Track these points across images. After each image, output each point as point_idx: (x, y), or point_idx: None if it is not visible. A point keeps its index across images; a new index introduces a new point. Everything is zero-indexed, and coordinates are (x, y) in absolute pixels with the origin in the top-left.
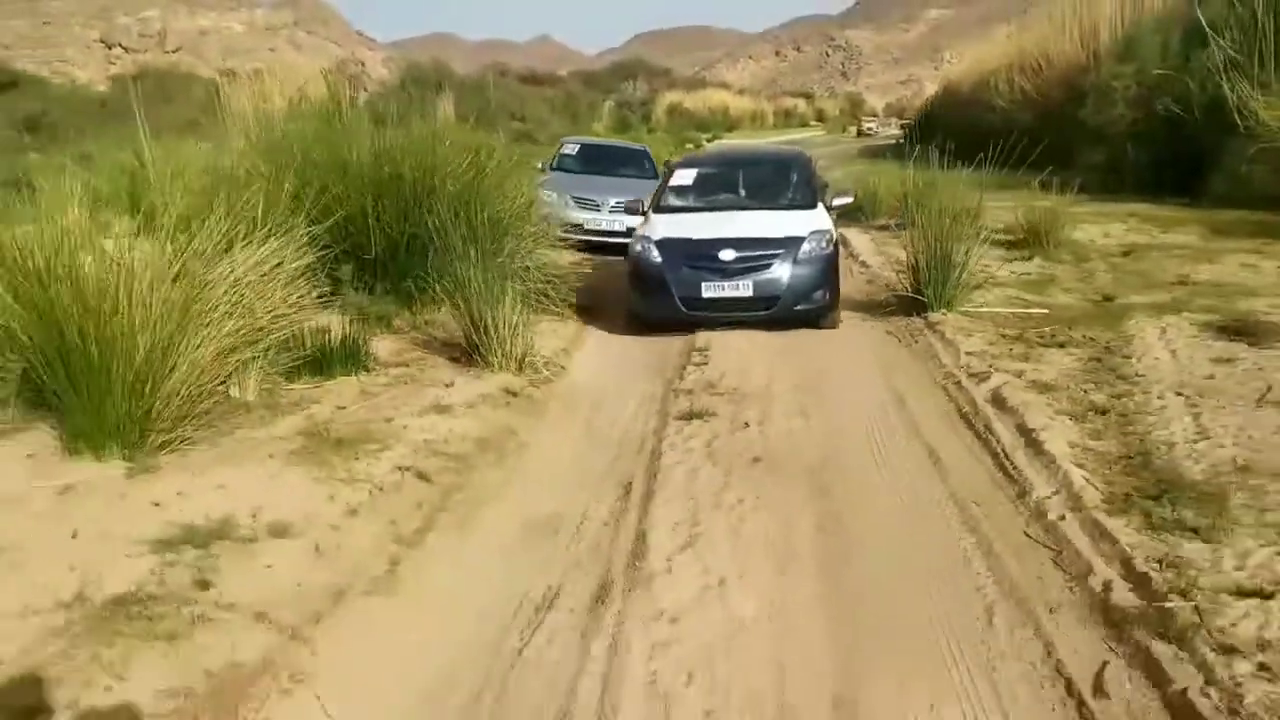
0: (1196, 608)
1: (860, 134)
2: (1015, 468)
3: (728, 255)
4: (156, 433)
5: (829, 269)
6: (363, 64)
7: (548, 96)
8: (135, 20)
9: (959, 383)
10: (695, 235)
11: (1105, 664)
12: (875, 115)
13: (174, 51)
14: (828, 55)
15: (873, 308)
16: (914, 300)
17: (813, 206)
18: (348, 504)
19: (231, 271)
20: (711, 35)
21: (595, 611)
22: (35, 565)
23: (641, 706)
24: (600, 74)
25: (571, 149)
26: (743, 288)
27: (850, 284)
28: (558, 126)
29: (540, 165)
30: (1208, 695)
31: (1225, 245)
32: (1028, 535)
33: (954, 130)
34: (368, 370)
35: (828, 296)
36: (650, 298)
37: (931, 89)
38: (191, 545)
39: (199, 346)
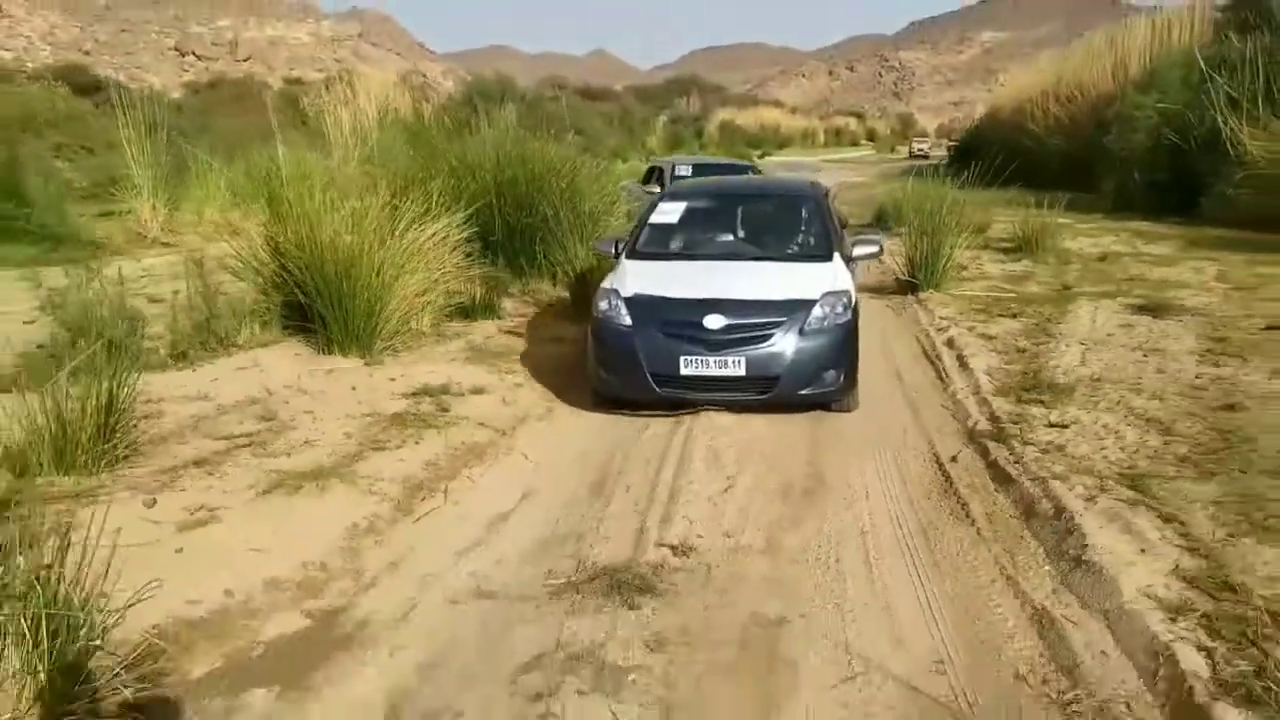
0: (1020, 431)
1: (912, 155)
2: (948, 376)
3: (714, 322)
4: (380, 341)
5: (846, 342)
6: (424, 75)
7: (604, 111)
8: (208, 29)
9: (928, 334)
10: (675, 293)
11: (959, 452)
12: (927, 136)
13: (244, 60)
14: (881, 75)
15: (879, 290)
16: (910, 283)
17: (828, 258)
18: (513, 381)
19: (417, 240)
20: (766, 52)
21: (677, 423)
22: (338, 401)
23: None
24: (655, 89)
25: (685, 169)
26: (733, 365)
27: (865, 275)
28: (614, 140)
29: (624, 185)
30: (1007, 460)
31: (1189, 255)
32: (942, 406)
33: (995, 152)
34: (499, 318)
35: (843, 378)
36: (615, 371)
37: (982, 111)
38: (427, 395)
39: (402, 289)
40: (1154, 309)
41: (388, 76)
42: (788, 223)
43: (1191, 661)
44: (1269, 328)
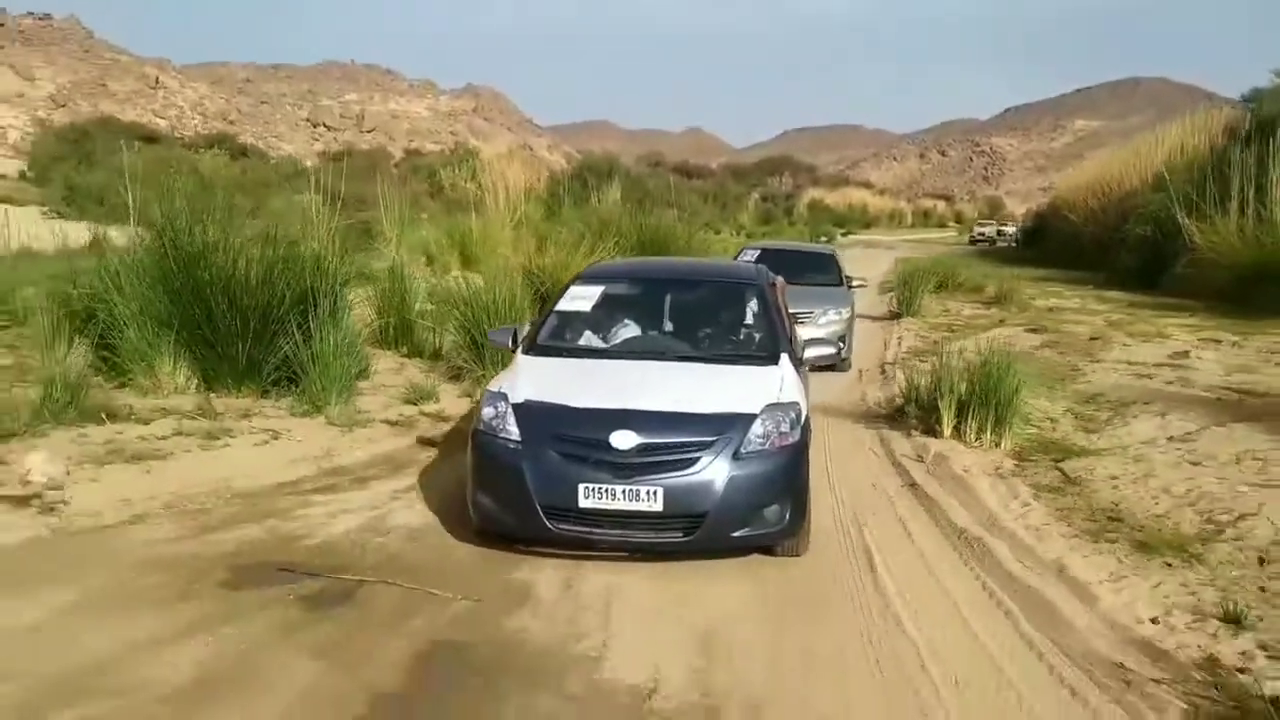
0: (901, 362)
1: (972, 240)
2: (887, 348)
3: (624, 440)
4: None
5: (793, 469)
6: (531, 149)
7: (699, 187)
8: (337, 103)
9: (892, 334)
10: (577, 401)
11: (882, 367)
12: (989, 220)
13: (369, 131)
14: (972, 159)
15: (878, 318)
16: (895, 313)
17: (774, 360)
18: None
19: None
20: (860, 134)
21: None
22: None
23: None
24: (748, 168)
25: (750, 256)
26: (646, 497)
27: (874, 307)
28: (707, 215)
29: None
30: (889, 367)
31: (1114, 310)
32: (880, 357)
33: (1047, 237)
34: None
35: (788, 516)
36: (498, 499)
37: (1045, 201)
38: None
39: None
40: (1037, 329)
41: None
42: (727, 315)
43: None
44: (1091, 338)
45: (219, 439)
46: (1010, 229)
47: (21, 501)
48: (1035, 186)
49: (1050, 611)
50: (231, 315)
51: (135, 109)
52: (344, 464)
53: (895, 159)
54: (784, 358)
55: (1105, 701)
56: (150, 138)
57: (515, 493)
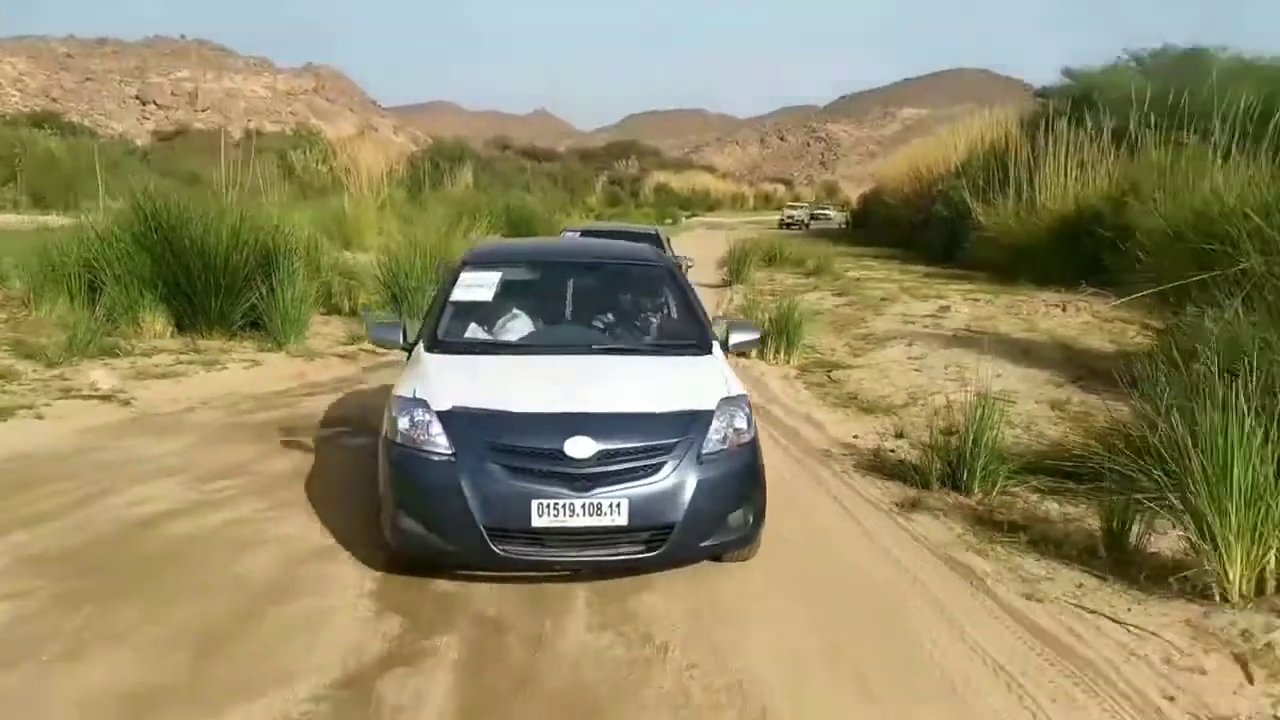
0: (725, 311)
1: (783, 224)
2: (719, 307)
3: (581, 448)
4: None
5: (755, 470)
6: (376, 130)
7: (548, 170)
8: (168, 80)
9: (724, 297)
10: (517, 405)
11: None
12: (800, 203)
13: (203, 111)
14: (809, 145)
15: (714, 286)
16: (726, 281)
17: (706, 348)
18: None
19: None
20: (703, 118)
21: None
22: None
23: None
24: (595, 151)
25: (572, 236)
26: (610, 511)
27: (712, 277)
28: (557, 198)
29: None
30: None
31: (912, 279)
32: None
33: (871, 219)
34: None
35: (751, 519)
36: (429, 522)
37: (871, 186)
38: None
39: None
40: (842, 293)
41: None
42: (640, 301)
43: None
44: (882, 299)
45: (216, 364)
46: (831, 212)
47: (104, 398)
48: (868, 171)
49: (796, 434)
50: (207, 274)
51: None
52: (318, 380)
53: (737, 144)
54: (715, 346)
55: (813, 462)
56: None
57: (451, 514)
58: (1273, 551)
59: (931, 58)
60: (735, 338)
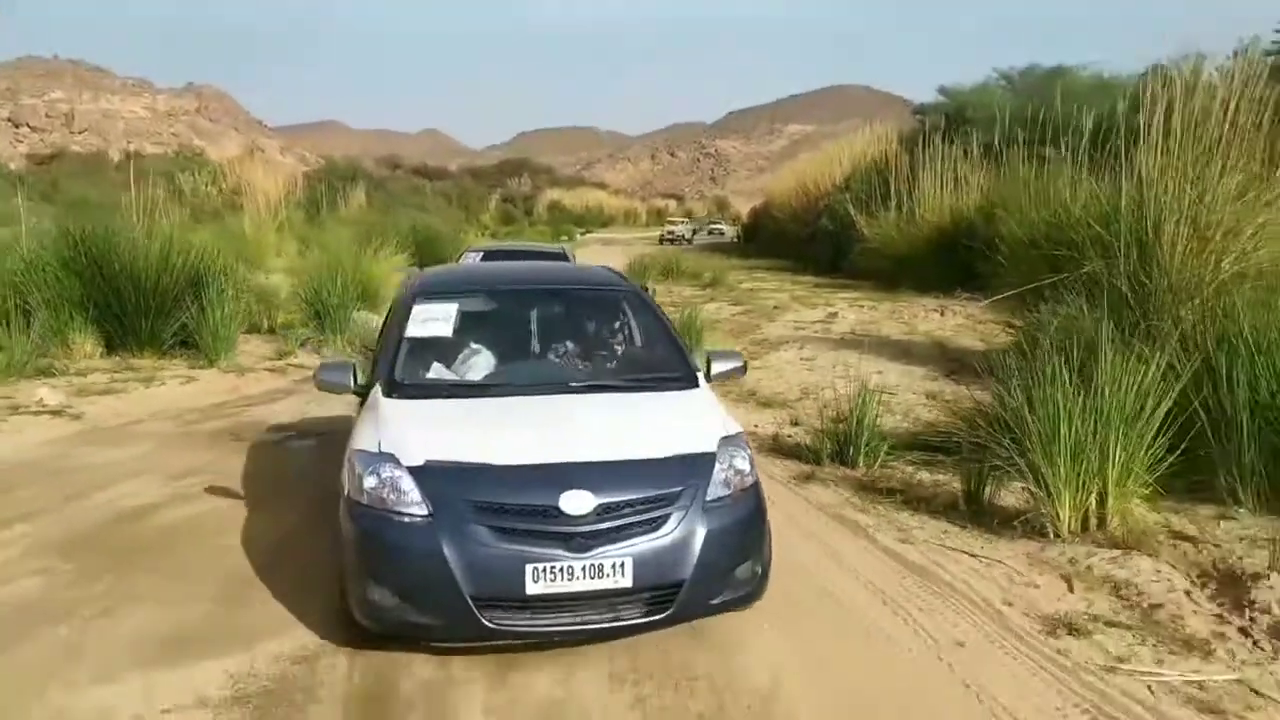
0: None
1: (664, 240)
2: None
3: (578, 503)
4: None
5: (761, 517)
6: (263, 150)
7: (441, 188)
8: (42, 101)
9: None
10: (499, 456)
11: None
12: (680, 219)
13: (80, 133)
14: (699, 161)
15: None
16: None
17: (691, 381)
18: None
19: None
20: (594, 136)
21: None
22: None
23: None
24: (488, 169)
25: (473, 258)
26: (612, 572)
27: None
28: (453, 217)
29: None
30: None
31: (801, 289)
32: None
33: (761, 233)
34: None
35: (760, 570)
36: (404, 593)
37: (760, 201)
38: None
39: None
40: (738, 303)
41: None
42: (609, 329)
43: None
44: (775, 307)
45: (153, 381)
46: (724, 226)
47: (54, 413)
48: (757, 186)
49: None
50: (138, 296)
51: None
52: (251, 393)
53: (629, 160)
54: (700, 377)
55: None
56: None
57: (431, 584)
58: (1093, 495)
59: (815, 75)
60: (718, 367)
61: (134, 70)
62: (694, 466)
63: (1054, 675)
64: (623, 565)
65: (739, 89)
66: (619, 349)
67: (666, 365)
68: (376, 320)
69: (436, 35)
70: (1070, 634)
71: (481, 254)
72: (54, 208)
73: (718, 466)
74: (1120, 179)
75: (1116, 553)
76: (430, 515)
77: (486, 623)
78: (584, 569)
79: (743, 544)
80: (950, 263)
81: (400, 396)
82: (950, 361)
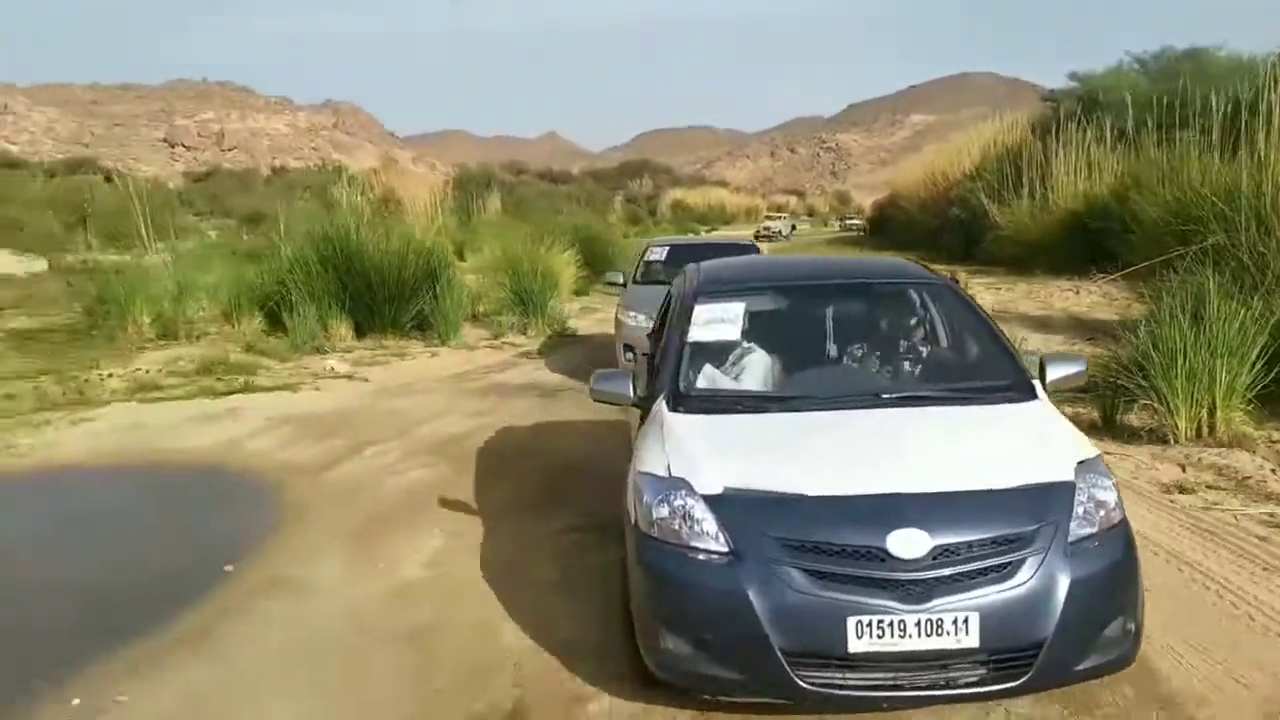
0: None
1: (758, 236)
2: None
3: (910, 545)
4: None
5: (1133, 561)
6: (397, 161)
7: (566, 192)
8: (193, 122)
9: None
10: (807, 485)
11: None
12: (778, 214)
13: (230, 150)
14: (819, 156)
15: None
16: None
17: (1028, 391)
18: (479, 360)
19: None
20: (712, 135)
21: None
22: None
23: None
24: (609, 172)
25: (659, 253)
26: (954, 629)
27: None
28: (582, 219)
29: (620, 280)
30: None
31: None
32: None
33: (888, 224)
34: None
35: (1133, 626)
36: (701, 641)
37: (885, 194)
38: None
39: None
40: None
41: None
42: (913, 329)
43: None
44: None
45: (404, 356)
46: (857, 220)
47: (347, 378)
48: (879, 179)
49: None
50: (383, 288)
51: None
52: (485, 364)
53: (748, 157)
54: (1038, 386)
55: None
56: (13, 164)
57: (735, 633)
58: (1204, 409)
59: (937, 63)
60: (1056, 372)
61: (275, 89)
62: (1050, 499)
63: (1167, 512)
64: (966, 621)
65: (858, 81)
66: (923, 351)
67: (993, 371)
68: (566, 308)
69: (550, 38)
70: (1180, 493)
71: (667, 249)
72: (224, 219)
73: (1078, 498)
74: (1242, 158)
75: (1221, 449)
76: (731, 553)
77: (800, 682)
78: (919, 624)
79: (1113, 595)
80: (1084, 245)
81: (687, 410)
82: (1087, 330)
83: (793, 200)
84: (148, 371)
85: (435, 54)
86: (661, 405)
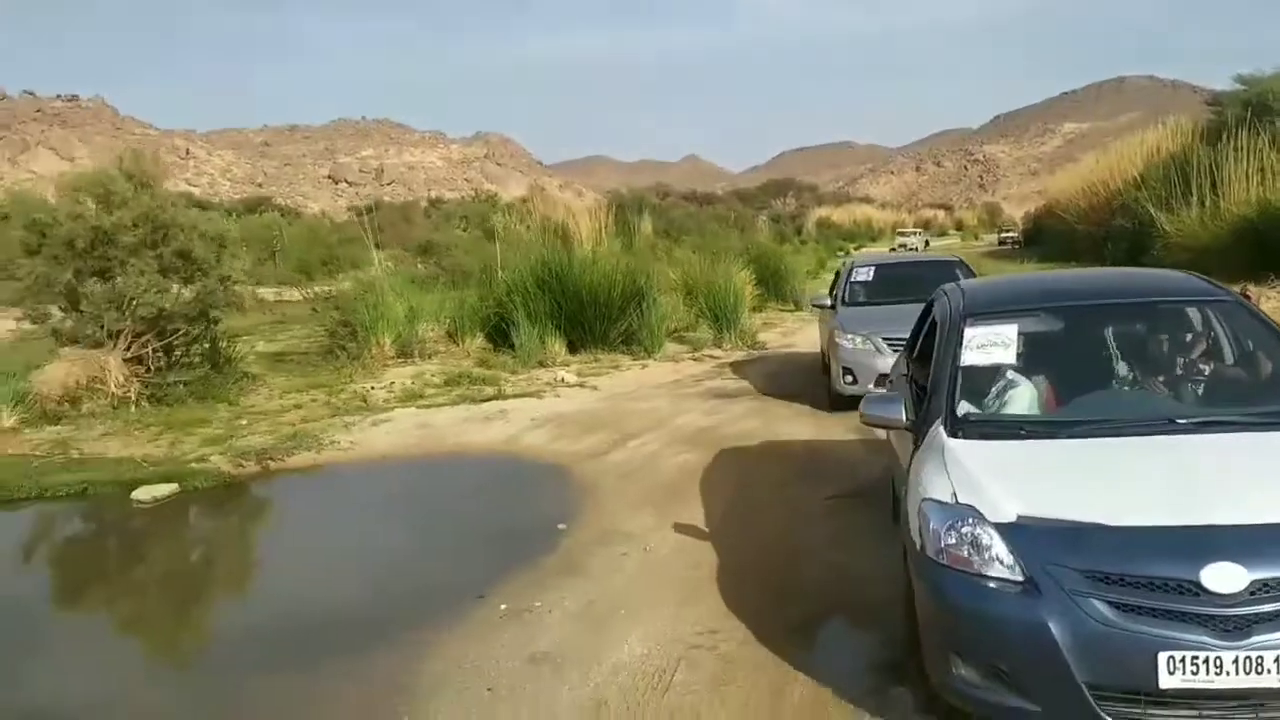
0: None
1: (894, 251)
2: None
3: (1226, 579)
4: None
5: None
6: (544, 189)
7: (712, 213)
8: (354, 159)
9: None
10: (1110, 515)
11: None
12: (913, 229)
13: (389, 184)
14: (966, 169)
15: None
16: None
17: None
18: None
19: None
20: (854, 151)
21: None
22: None
23: None
24: (752, 191)
25: (865, 274)
26: (1273, 668)
27: None
28: (730, 240)
29: (826, 303)
30: None
31: None
32: None
33: (1044, 235)
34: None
35: None
36: (996, 672)
37: (1040, 204)
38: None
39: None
40: None
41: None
42: (1209, 352)
43: None
44: None
45: (618, 368)
46: (1014, 233)
47: (579, 386)
48: (1030, 190)
49: None
50: (594, 308)
51: (171, 180)
52: (693, 373)
53: (892, 172)
54: None
55: None
56: (200, 205)
57: (1034, 664)
58: None
59: (1088, 70)
60: None
61: (427, 124)
62: None
63: None
64: None
65: (1005, 91)
66: (1206, 370)
67: None
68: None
69: (689, 61)
70: None
71: (873, 269)
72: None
73: None
74: None
75: None
76: (1028, 581)
77: (1105, 715)
78: (1236, 661)
79: None
80: (1259, 250)
81: (966, 436)
82: None
83: (940, 214)
84: (410, 383)
85: (578, 82)
86: (939, 430)
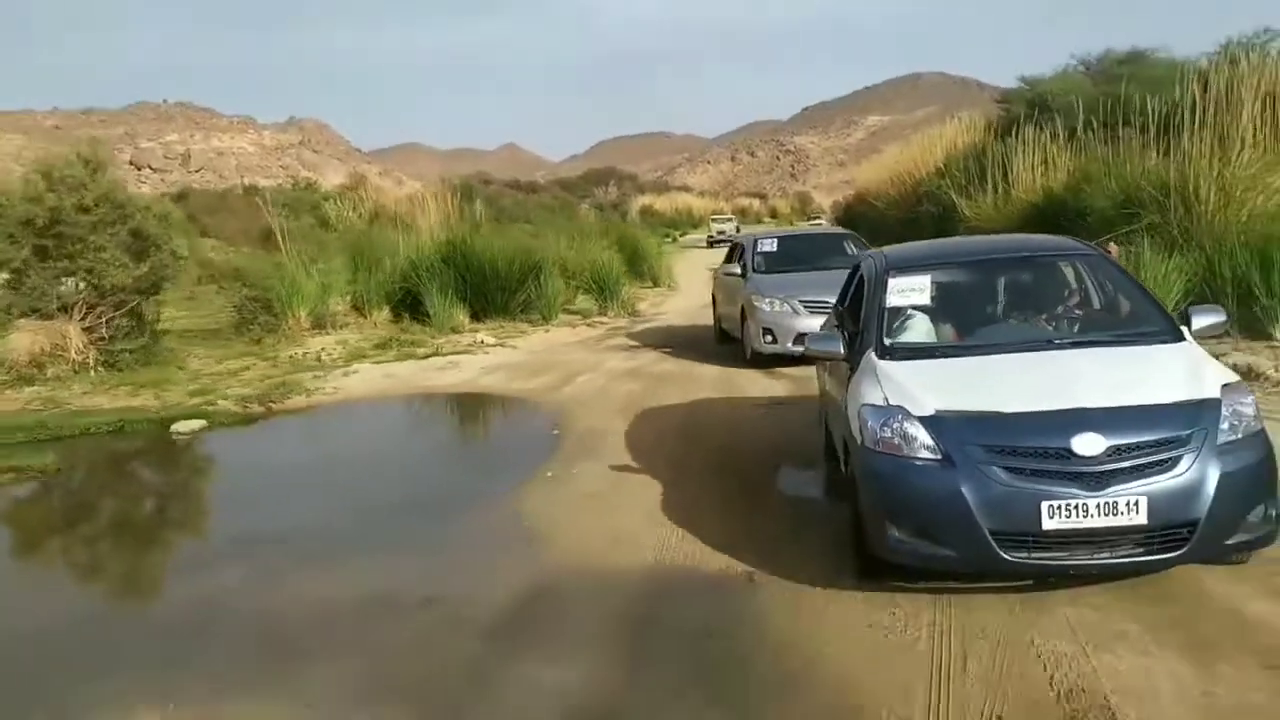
0: None
1: (711, 242)
2: None
3: (1089, 444)
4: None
5: (1270, 459)
6: (365, 177)
7: (539, 201)
8: (158, 144)
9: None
10: (1009, 405)
11: None
12: (725, 215)
13: (197, 171)
14: (779, 159)
15: None
16: None
17: (1177, 335)
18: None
19: None
20: (671, 141)
21: None
22: None
23: None
24: (574, 180)
25: (769, 245)
26: (1126, 510)
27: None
28: (558, 226)
29: (738, 271)
30: None
31: None
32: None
33: (856, 222)
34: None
35: (1275, 513)
36: (926, 532)
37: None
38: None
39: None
40: None
41: (331, 182)
42: (1079, 293)
43: None
44: None
45: (524, 334)
46: (823, 221)
47: (498, 345)
48: (838, 180)
49: None
50: (495, 281)
51: None
52: (591, 335)
53: (709, 162)
54: (1185, 331)
55: None
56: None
57: (951, 520)
58: None
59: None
60: (1199, 321)
61: (237, 108)
62: (1201, 411)
63: None
64: (1137, 503)
65: (812, 85)
66: (1084, 311)
67: (1146, 321)
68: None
69: (505, 50)
70: None
71: (776, 241)
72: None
73: (1224, 411)
74: (1173, 154)
75: None
76: (944, 458)
77: (1005, 557)
78: (1098, 506)
79: (1255, 487)
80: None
81: (894, 358)
82: None
83: (756, 203)
84: (341, 349)
85: (389, 68)
86: (871, 356)
